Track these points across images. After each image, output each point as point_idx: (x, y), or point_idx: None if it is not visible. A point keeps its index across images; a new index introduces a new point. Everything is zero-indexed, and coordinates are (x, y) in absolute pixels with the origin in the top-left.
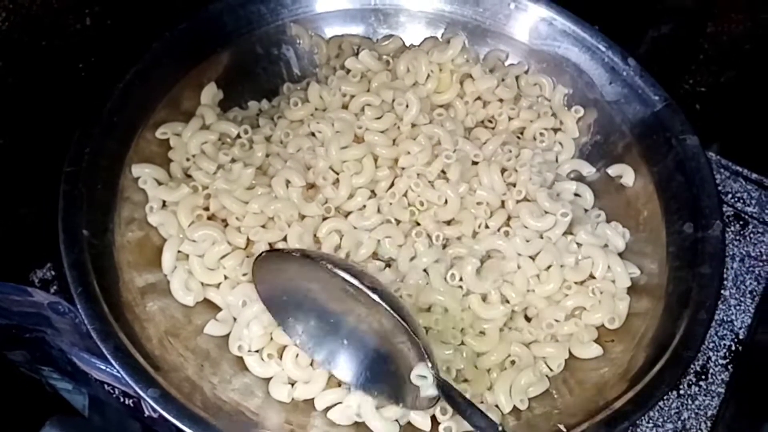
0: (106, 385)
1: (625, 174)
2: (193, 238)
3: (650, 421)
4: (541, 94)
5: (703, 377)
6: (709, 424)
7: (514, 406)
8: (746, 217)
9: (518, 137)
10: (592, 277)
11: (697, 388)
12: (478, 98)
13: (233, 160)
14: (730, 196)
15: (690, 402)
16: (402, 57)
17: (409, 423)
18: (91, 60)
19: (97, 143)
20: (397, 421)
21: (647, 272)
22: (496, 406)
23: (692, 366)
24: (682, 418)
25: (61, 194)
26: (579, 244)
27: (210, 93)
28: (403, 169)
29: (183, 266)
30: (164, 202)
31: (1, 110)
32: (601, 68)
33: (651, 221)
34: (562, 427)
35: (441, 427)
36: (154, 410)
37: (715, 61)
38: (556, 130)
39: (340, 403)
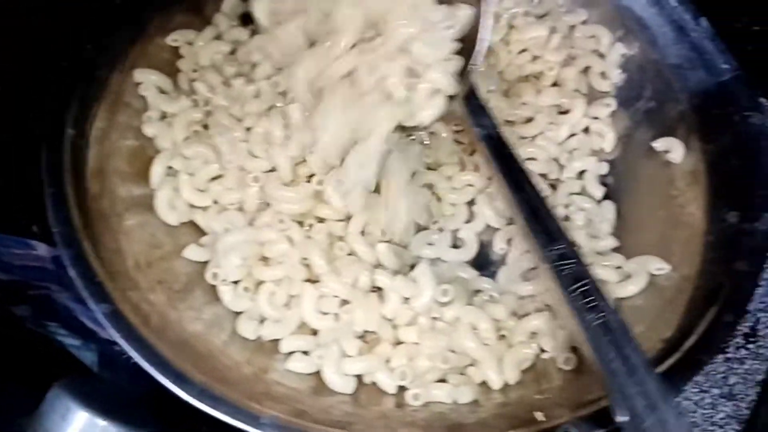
0: (115, 346)
1: (674, 149)
2: (186, 154)
3: (696, 386)
4: (596, 49)
5: (752, 339)
6: (758, 389)
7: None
8: None
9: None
10: None
11: (745, 351)
12: (524, 50)
13: (238, 75)
14: None
15: (738, 366)
16: None
17: (374, 383)
18: None
19: (100, 41)
20: (360, 377)
21: (676, 262)
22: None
23: (740, 328)
24: (729, 383)
25: (52, 91)
26: None
27: (231, 1)
28: None
29: (171, 183)
30: (164, 113)
31: None
32: (667, 26)
33: (692, 205)
34: (541, 416)
35: (409, 393)
36: None
37: None
38: None
39: (304, 352)
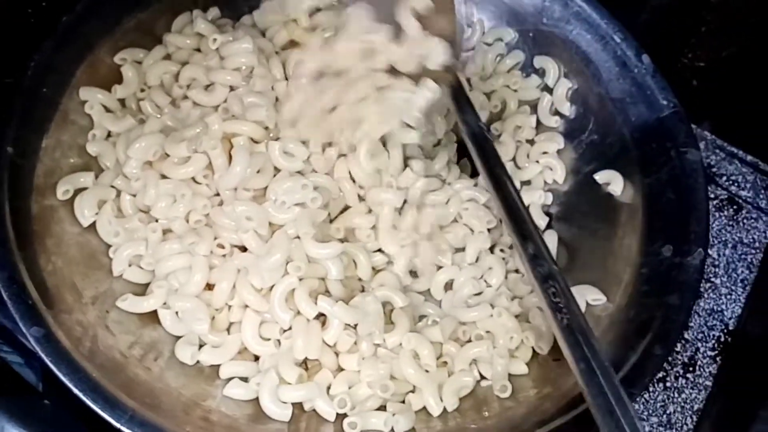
0: None
1: (614, 181)
2: (129, 175)
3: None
4: (543, 82)
5: (691, 369)
6: (695, 418)
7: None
8: (740, 201)
9: None
10: None
11: (684, 381)
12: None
13: (185, 97)
14: (724, 178)
15: (676, 395)
16: None
17: (314, 410)
18: None
19: (47, 56)
20: (301, 405)
21: (612, 293)
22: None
23: (680, 357)
24: (668, 411)
25: None
26: None
27: (182, 22)
28: None
29: (113, 203)
30: (110, 132)
31: None
32: (611, 61)
33: (629, 237)
34: None
35: (345, 422)
36: None
37: (717, 35)
38: None
39: (243, 378)
